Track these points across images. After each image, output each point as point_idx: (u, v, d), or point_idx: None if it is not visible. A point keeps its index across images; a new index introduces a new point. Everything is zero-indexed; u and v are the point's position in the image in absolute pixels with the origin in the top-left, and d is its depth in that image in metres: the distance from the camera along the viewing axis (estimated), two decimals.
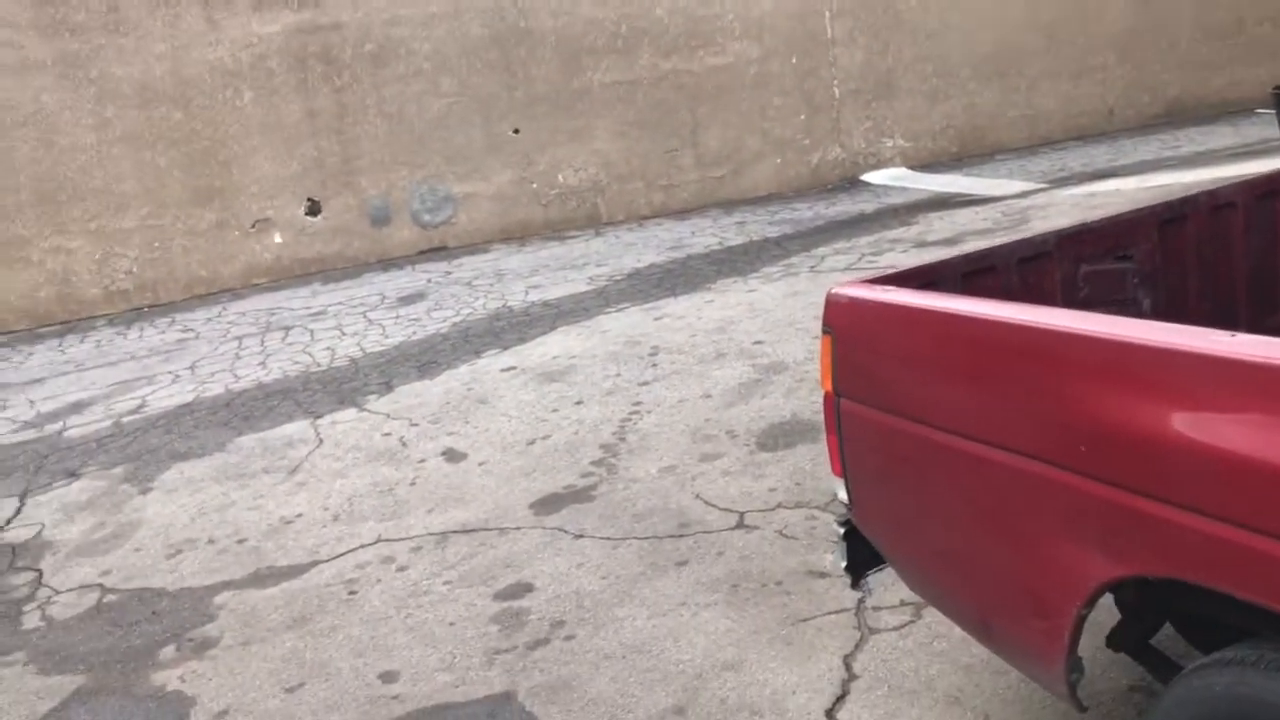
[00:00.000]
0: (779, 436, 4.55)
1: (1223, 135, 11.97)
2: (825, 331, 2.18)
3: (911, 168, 12.72)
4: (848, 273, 7.34)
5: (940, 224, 8.81)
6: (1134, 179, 9.68)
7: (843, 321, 2.14)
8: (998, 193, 10.13)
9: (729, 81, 12.08)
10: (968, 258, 2.39)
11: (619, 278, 8.52)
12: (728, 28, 12.00)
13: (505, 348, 6.73)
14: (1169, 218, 2.63)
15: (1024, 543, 1.81)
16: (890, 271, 2.24)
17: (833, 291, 2.17)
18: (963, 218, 8.96)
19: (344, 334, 7.78)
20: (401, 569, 3.85)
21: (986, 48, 13.17)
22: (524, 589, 3.56)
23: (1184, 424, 1.47)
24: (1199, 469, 1.45)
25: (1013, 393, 1.75)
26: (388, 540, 4.11)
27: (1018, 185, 10.43)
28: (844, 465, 2.18)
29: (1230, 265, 2.74)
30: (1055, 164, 11.71)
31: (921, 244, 7.98)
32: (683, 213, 11.75)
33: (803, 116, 12.47)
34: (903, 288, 2.10)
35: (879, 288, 2.10)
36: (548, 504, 4.22)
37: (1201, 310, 2.67)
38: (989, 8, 13.12)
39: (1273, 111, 10.03)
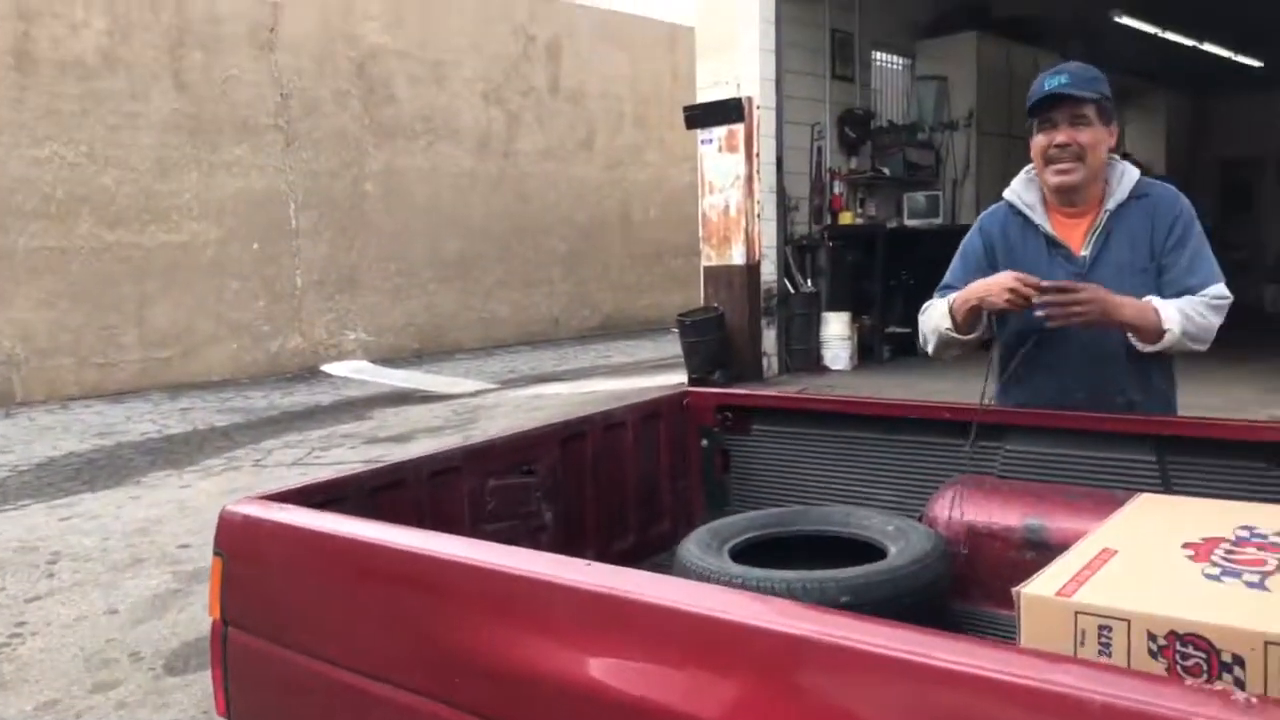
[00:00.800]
0: (192, 656, 4.09)
1: (646, 349, 13.72)
2: (216, 553, 2.02)
3: (373, 361, 12.89)
4: (295, 468, 7.10)
5: (395, 419, 8.93)
6: (573, 384, 10.66)
7: (235, 542, 2.00)
8: (453, 391, 10.57)
9: (184, 260, 11.50)
10: (377, 472, 2.39)
11: (24, 468, 7.43)
12: (185, 206, 11.51)
13: None
14: (569, 435, 2.86)
15: None
16: (291, 487, 2.17)
17: (226, 509, 2.03)
18: (417, 414, 9.18)
19: None
20: None
21: (448, 253, 14.01)
22: None
23: (547, 653, 1.53)
24: (564, 699, 1.47)
25: (396, 622, 1.74)
26: None
27: (472, 384, 10.99)
28: (228, 703, 2.00)
29: (622, 477, 3.04)
30: (507, 366, 12.57)
31: (373, 440, 8.00)
32: (120, 395, 10.72)
33: (263, 303, 12.18)
34: (301, 506, 2.02)
35: (275, 505, 2.00)
36: None
37: (597, 521, 2.91)
38: (451, 217, 14.05)
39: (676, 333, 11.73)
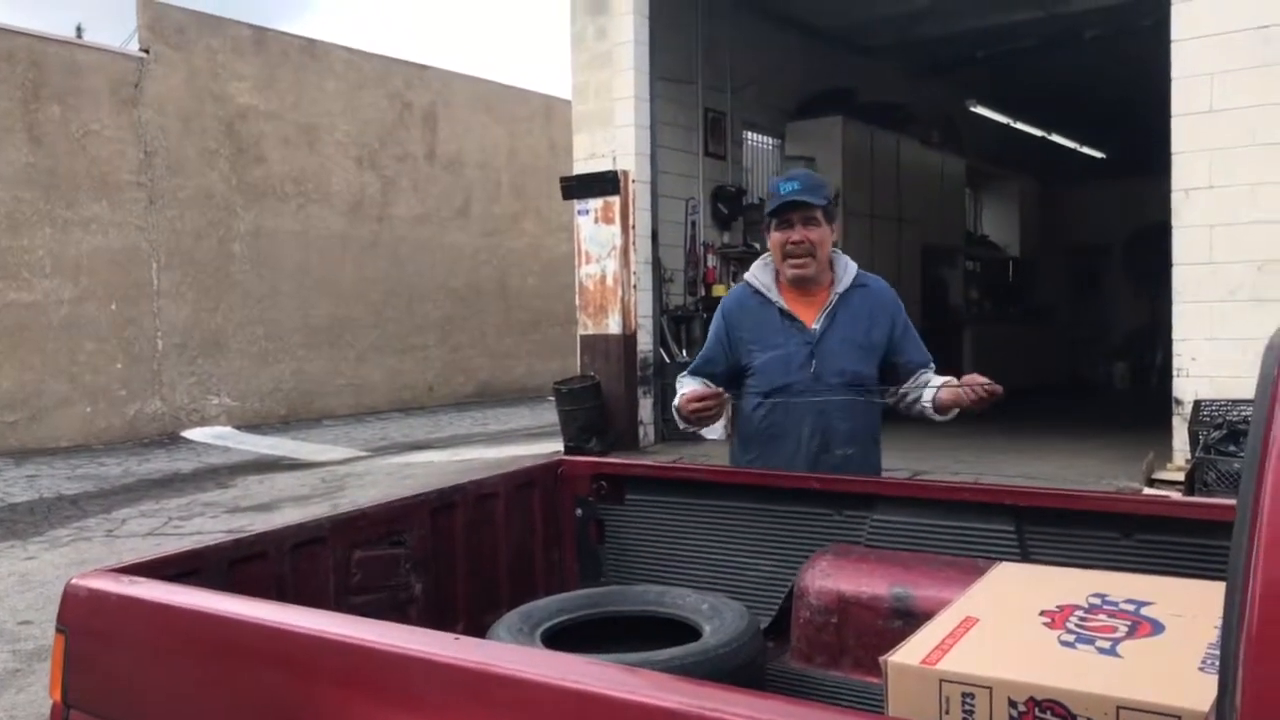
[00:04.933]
0: None
1: (522, 416, 13.64)
2: (59, 630, 1.90)
3: (238, 427, 12.44)
4: (150, 538, 6.75)
5: (259, 488, 8.61)
6: (447, 451, 10.50)
7: (80, 618, 1.89)
8: (321, 458, 10.27)
9: (33, 320, 10.94)
10: (237, 543, 2.29)
11: None
12: (37, 263, 10.99)
13: None
14: (440, 504, 2.80)
15: None
16: (143, 559, 2.06)
17: (71, 583, 1.92)
18: (283, 482, 8.87)
19: None
20: None
21: (318, 317, 13.71)
22: None
23: None
24: None
25: (255, 703, 1.66)
26: None
27: (341, 452, 10.70)
28: None
29: (495, 548, 2.99)
30: (378, 433, 12.29)
31: (236, 509, 7.68)
32: None
33: (120, 365, 11.66)
34: (155, 578, 1.92)
35: (125, 578, 1.90)
36: None
37: (469, 593, 2.84)
38: (322, 280, 13.78)
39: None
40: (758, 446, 3.01)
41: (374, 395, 14.40)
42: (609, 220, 9.69)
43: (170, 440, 11.68)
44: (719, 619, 2.19)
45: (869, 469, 2.99)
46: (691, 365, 3.17)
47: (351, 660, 1.56)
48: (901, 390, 3.00)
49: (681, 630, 2.24)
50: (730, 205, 11.25)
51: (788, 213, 2.91)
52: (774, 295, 2.99)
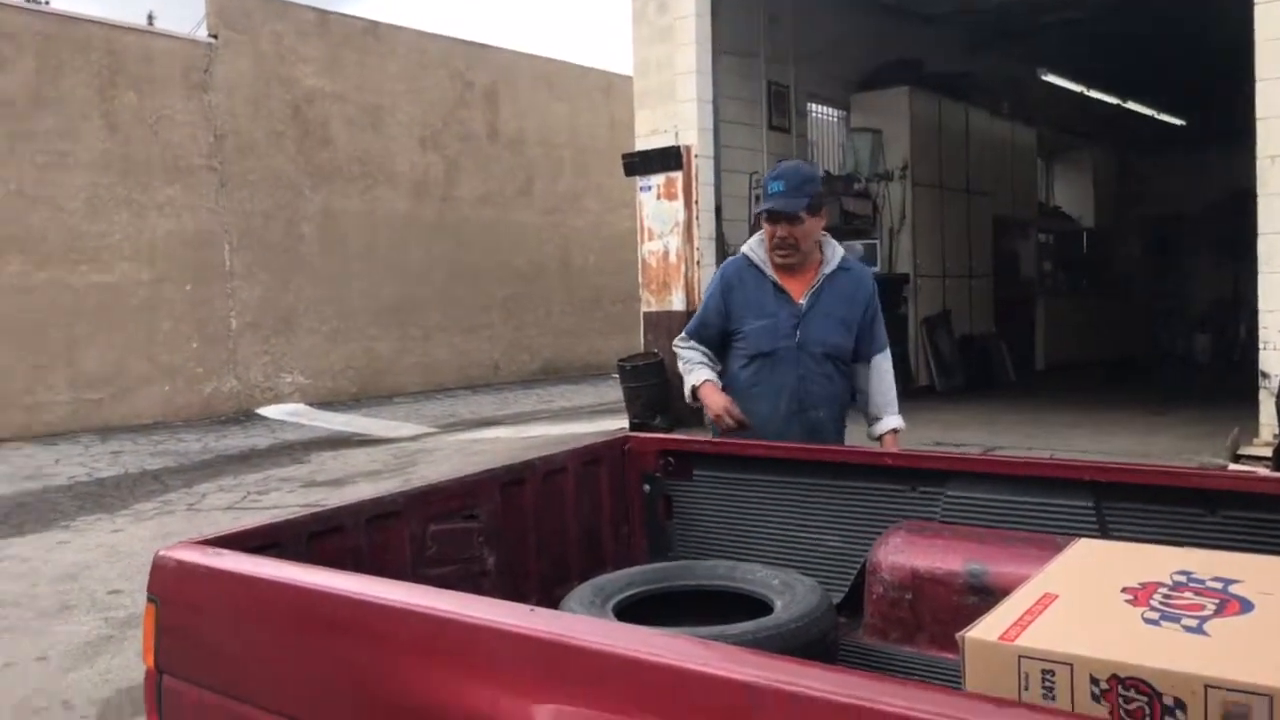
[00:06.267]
0: (125, 704, 3.97)
1: (586, 394, 13.71)
2: (150, 599, 1.96)
3: (310, 404, 12.70)
4: (229, 512, 6.94)
5: (333, 464, 8.78)
6: (513, 428, 10.60)
7: (168, 588, 1.95)
8: (392, 435, 10.44)
9: (114, 301, 11.26)
10: (315, 517, 2.34)
11: None
12: (116, 246, 11.29)
13: None
14: (510, 480, 2.83)
15: None
16: (226, 532, 2.11)
17: (160, 554, 1.98)
18: (355, 458, 9.04)
19: None
20: None
21: (386, 297, 13.90)
22: None
23: (490, 699, 1.51)
24: None
25: (335, 669, 1.70)
26: None
27: (411, 428, 10.86)
28: None
29: (564, 522, 3.01)
30: (447, 409, 12.45)
31: (311, 484, 7.85)
32: (49, 437, 10.42)
33: (196, 345, 11.95)
34: (238, 550, 1.98)
35: (211, 550, 1.95)
36: None
37: (539, 567, 2.88)
38: (389, 261, 13.96)
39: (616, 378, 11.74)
40: (741, 404, 3.33)
41: (442, 373, 14.58)
42: (671, 196, 9.66)
43: (245, 417, 11.96)
44: (790, 594, 2.18)
45: (836, 431, 3.40)
46: (687, 328, 3.57)
47: (432, 630, 1.59)
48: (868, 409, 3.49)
49: (753, 605, 2.24)
50: None
51: (773, 214, 3.30)
52: (768, 270, 3.36)
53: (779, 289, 3.34)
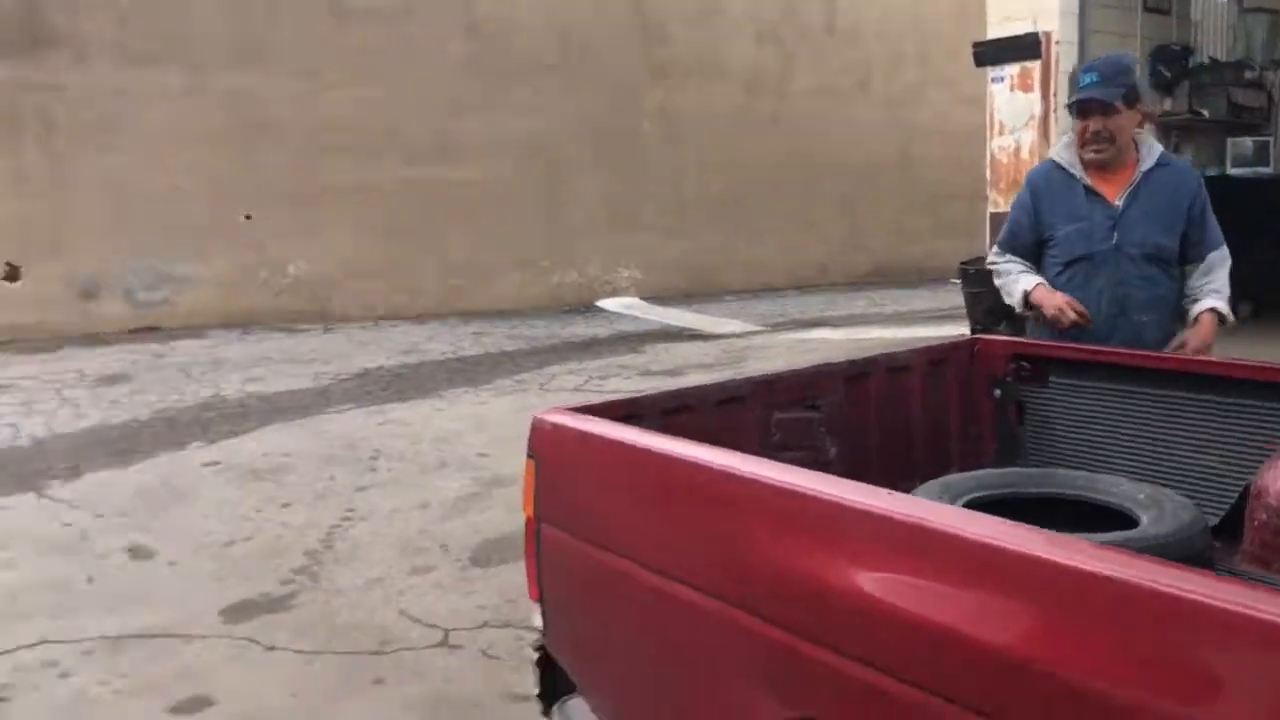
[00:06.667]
0: (493, 553, 4.48)
1: (921, 298, 13.30)
2: (530, 456, 2.19)
3: (644, 298, 13.25)
4: (575, 393, 7.47)
5: (666, 355, 9.18)
6: (843, 330, 10.54)
7: (545, 447, 2.16)
8: (721, 330, 10.72)
9: (476, 195, 12.23)
10: (669, 394, 2.48)
11: (346, 377, 8.25)
12: (476, 145, 12.20)
13: (212, 441, 6.31)
14: (853, 374, 2.84)
15: (702, 680, 1.84)
16: (597, 401, 2.29)
17: (537, 417, 2.19)
18: (688, 351, 9.39)
19: (32, 411, 7.05)
20: (65, 675, 3.42)
21: (719, 193, 14.08)
22: (202, 703, 3.25)
23: (846, 574, 1.56)
24: (859, 619, 1.50)
25: (696, 530, 1.81)
26: (53, 642, 3.65)
27: (740, 325, 11.09)
28: (541, 590, 2.17)
29: (907, 421, 2.99)
30: (775, 309, 12.57)
31: (646, 373, 8.27)
32: (421, 317, 11.63)
33: (544, 239, 12.77)
34: (604, 418, 2.14)
35: (582, 416, 2.13)
36: (240, 611, 3.92)
37: (880, 463, 2.88)
38: (723, 157, 14.08)
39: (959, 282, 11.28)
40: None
41: (770, 272, 14.65)
42: (1027, 88, 9.00)
43: (586, 308, 12.71)
44: (1158, 509, 2.05)
45: (1164, 337, 3.19)
46: (999, 240, 3.47)
47: (789, 504, 1.65)
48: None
49: (1113, 519, 2.13)
50: (1173, 67, 9.96)
51: (1086, 104, 3.16)
52: (1078, 173, 3.22)
53: (1091, 191, 3.21)
